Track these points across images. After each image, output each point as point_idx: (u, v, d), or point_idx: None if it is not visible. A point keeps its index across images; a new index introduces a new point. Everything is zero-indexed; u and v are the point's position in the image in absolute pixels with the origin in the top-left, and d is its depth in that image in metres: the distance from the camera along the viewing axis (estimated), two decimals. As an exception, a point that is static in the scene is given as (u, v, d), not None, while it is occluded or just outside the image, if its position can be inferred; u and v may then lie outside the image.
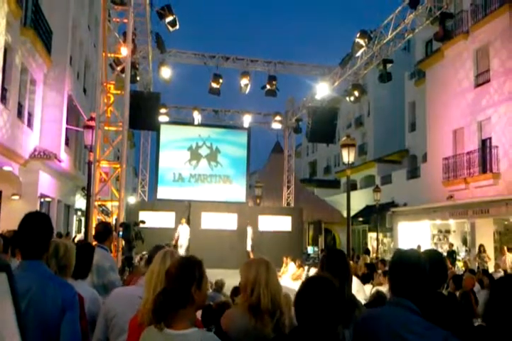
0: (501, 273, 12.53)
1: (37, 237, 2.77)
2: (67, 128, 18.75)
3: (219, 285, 8.40)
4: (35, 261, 2.72)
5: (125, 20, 11.38)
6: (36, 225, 2.81)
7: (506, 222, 18.79)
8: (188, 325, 2.22)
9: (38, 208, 16.07)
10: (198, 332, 2.20)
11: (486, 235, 18.42)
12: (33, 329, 2.36)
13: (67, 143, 19.49)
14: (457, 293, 7.81)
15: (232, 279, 6.71)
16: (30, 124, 16.43)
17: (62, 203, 20.57)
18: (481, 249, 17.18)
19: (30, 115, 16.42)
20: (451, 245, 19.32)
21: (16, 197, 15.29)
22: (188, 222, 20.25)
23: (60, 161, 17.38)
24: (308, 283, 2.35)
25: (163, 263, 2.63)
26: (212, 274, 5.16)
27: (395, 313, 2.39)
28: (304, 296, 2.26)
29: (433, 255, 3.09)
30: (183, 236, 19.05)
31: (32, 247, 2.75)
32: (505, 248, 16.03)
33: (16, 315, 1.64)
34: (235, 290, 6.72)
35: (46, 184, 17.43)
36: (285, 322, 2.76)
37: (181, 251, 17.53)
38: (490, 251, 17.58)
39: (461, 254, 19.56)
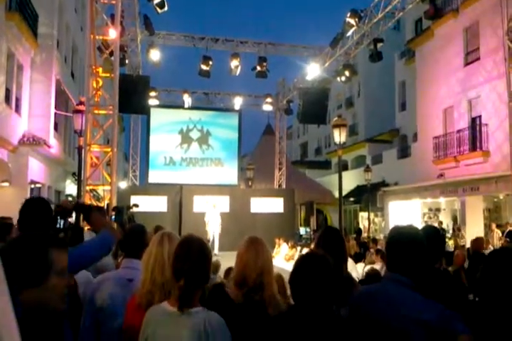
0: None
1: (39, 222, 2.75)
2: (55, 113, 18.55)
3: (214, 267, 8.41)
4: None
5: (113, 2, 11.15)
6: (37, 210, 2.80)
7: (496, 199, 18.99)
8: (197, 304, 2.25)
9: (29, 194, 15.97)
10: (203, 310, 2.22)
11: (475, 212, 18.61)
12: None
13: (56, 128, 19.29)
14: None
15: (225, 261, 6.76)
16: (18, 110, 16.22)
17: (53, 189, 20.45)
18: (455, 228, 17.71)
19: (18, 100, 16.21)
20: (441, 223, 19.51)
21: (6, 184, 15.16)
22: (180, 206, 20.21)
23: (49, 147, 17.24)
24: (302, 260, 2.35)
25: (160, 245, 2.63)
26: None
27: (391, 289, 2.39)
28: (298, 272, 2.26)
29: (430, 231, 3.12)
30: (213, 223, 17.71)
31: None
32: (494, 225, 16.26)
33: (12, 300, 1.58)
34: (228, 272, 6.76)
35: (36, 170, 17.31)
36: (273, 300, 2.75)
37: (215, 242, 16.84)
38: (479, 229, 17.79)
39: (451, 232, 19.76)
